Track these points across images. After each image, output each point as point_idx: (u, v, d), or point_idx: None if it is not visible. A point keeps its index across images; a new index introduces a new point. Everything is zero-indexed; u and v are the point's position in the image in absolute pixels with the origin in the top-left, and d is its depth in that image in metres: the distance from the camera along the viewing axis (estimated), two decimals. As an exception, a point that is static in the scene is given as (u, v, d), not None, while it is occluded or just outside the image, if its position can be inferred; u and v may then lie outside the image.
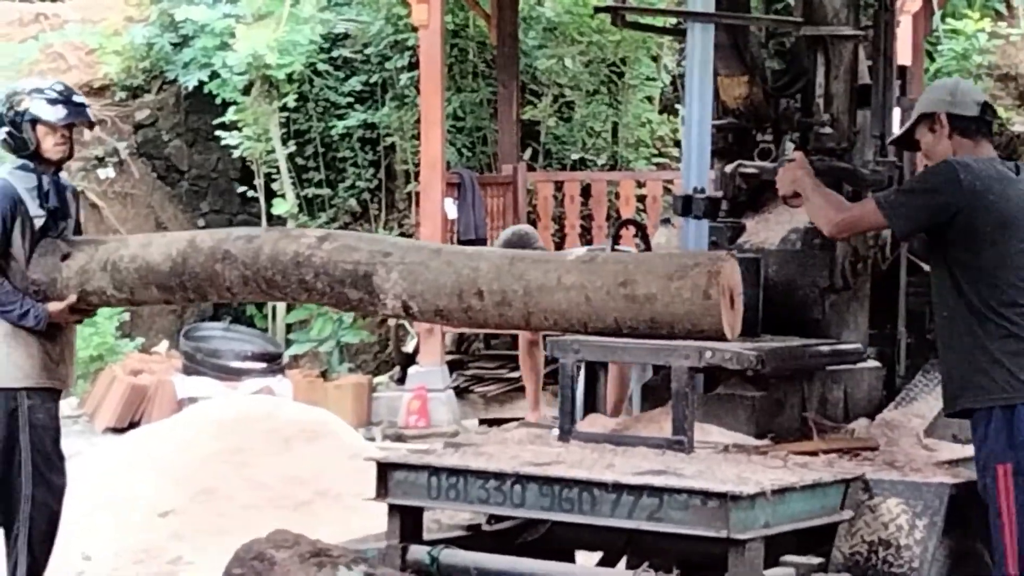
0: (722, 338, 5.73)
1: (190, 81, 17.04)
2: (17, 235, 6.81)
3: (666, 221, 6.74)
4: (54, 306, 6.79)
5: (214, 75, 16.67)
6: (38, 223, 6.88)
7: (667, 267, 5.70)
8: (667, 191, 12.94)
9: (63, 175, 7.25)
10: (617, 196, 15.53)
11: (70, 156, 7.19)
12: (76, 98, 7.11)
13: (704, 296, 5.49)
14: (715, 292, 5.48)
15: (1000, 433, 5.30)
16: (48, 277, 6.83)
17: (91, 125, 7.47)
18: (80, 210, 7.38)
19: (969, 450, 6.06)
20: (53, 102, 6.90)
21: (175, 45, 17.35)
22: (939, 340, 5.66)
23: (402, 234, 16.52)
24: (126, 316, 15.66)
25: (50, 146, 6.94)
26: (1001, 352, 5.30)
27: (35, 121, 6.87)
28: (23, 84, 7.25)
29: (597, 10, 13.35)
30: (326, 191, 16.91)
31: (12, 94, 7.02)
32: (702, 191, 6.34)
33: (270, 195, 16.86)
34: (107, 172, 17.53)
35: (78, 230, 7.27)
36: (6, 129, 6.95)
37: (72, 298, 6.81)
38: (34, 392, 6.88)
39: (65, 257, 6.85)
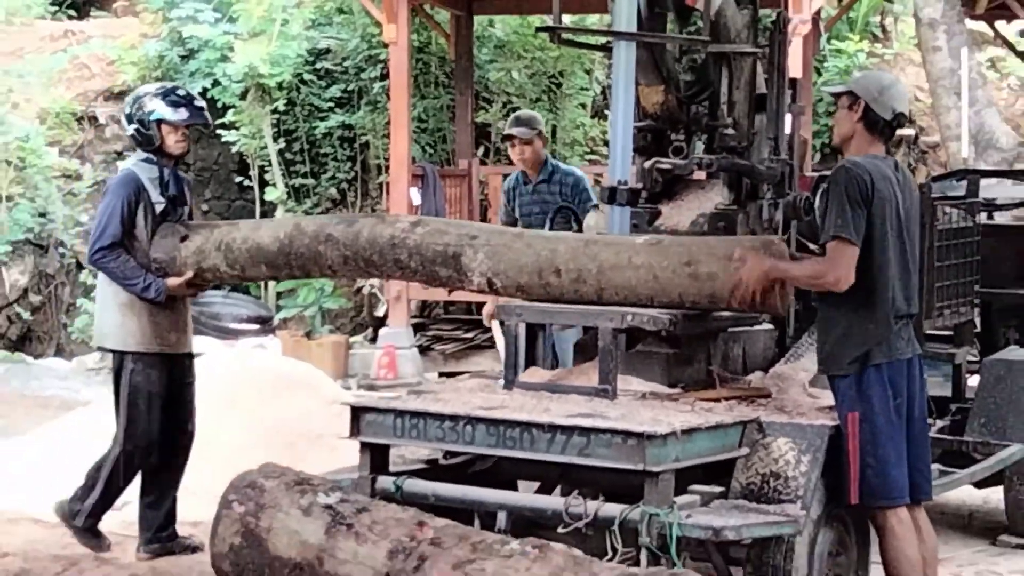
0: (777, 314, 5.85)
1: (195, 88, 16.90)
2: (140, 218, 6.74)
3: (595, 207, 6.73)
4: (173, 281, 6.73)
5: (215, 83, 16.56)
6: (159, 208, 6.81)
7: (727, 249, 5.60)
8: (597, 182, 12.92)
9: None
10: (554, 186, 15.52)
11: (187, 151, 7.14)
12: (196, 102, 7.05)
13: (763, 276, 5.39)
14: (769, 270, 5.41)
15: (851, 389, 5.37)
16: (168, 256, 6.75)
17: (207, 125, 7.40)
18: (192, 199, 7.32)
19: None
20: (176, 105, 6.84)
21: (183, 57, 17.22)
22: (819, 311, 5.67)
23: (374, 218, 16.47)
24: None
25: (172, 143, 6.88)
26: (857, 327, 5.36)
27: (160, 121, 6.80)
28: (149, 88, 7.15)
29: (539, 30, 13.39)
30: (311, 181, 16.85)
31: (139, 96, 6.94)
32: (625, 183, 6.35)
33: (263, 184, 16.78)
34: (124, 163, 17.42)
35: (191, 216, 7.20)
36: (134, 127, 6.88)
37: (189, 274, 6.75)
38: (138, 356, 6.82)
39: (183, 239, 6.77)
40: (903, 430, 5.44)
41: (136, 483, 7.09)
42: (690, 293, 5.71)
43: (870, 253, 5.31)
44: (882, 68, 19.82)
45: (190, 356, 7.18)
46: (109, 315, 6.93)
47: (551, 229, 8.14)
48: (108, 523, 7.69)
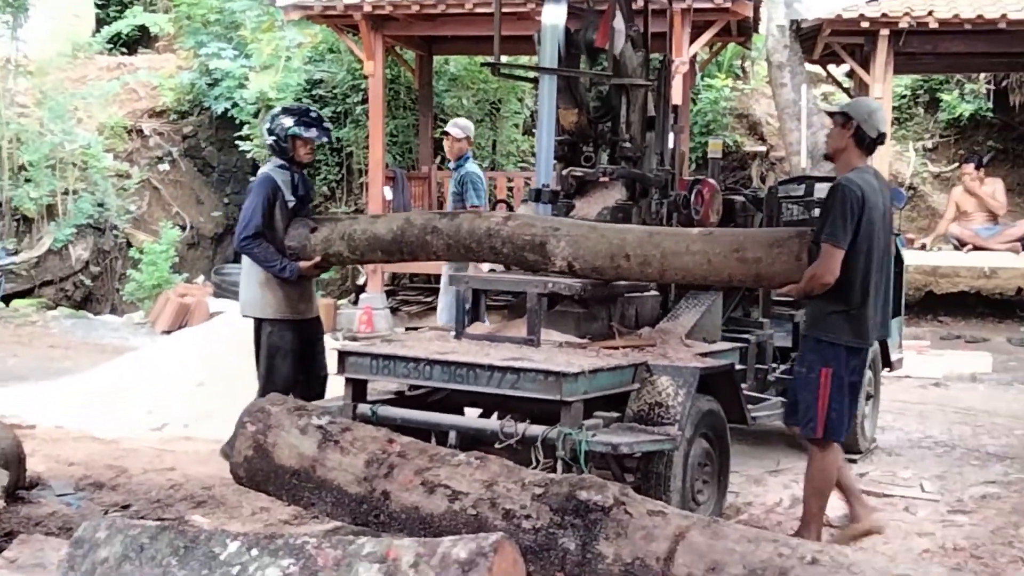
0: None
1: (218, 108, 16.78)
2: (277, 213, 6.64)
3: (525, 202, 6.72)
4: (304, 264, 6.63)
5: (234, 104, 16.41)
6: (291, 205, 6.70)
7: (769, 239, 5.48)
8: (527, 184, 12.91)
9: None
10: (495, 187, 15.48)
11: (313, 161, 6.98)
12: (325, 123, 6.90)
13: (796, 259, 5.31)
14: (804, 257, 5.30)
15: (825, 351, 5.34)
16: (300, 244, 6.63)
17: (330, 141, 7.23)
18: (314, 196, 7.18)
19: (712, 346, 6.19)
20: (309, 125, 6.72)
21: (209, 84, 17.07)
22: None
23: (356, 210, 16.42)
24: (176, 259, 15.47)
25: (302, 154, 6.79)
26: (842, 308, 5.29)
27: (295, 136, 6.70)
28: (287, 107, 6.99)
29: (483, 65, 13.34)
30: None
31: (277, 115, 6.81)
32: (547, 186, 6.37)
33: (271, 183, 16.68)
34: (165, 166, 17.31)
35: (314, 212, 7.03)
36: (272, 139, 6.76)
37: (317, 259, 6.63)
38: (275, 322, 6.75)
39: (313, 230, 6.63)
40: (856, 389, 5.52)
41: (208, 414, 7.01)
42: (738, 275, 5.62)
43: (854, 253, 5.20)
44: (742, 101, 19.93)
45: (317, 319, 7.04)
46: (252, 290, 6.83)
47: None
48: (150, 441, 7.68)
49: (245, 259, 6.90)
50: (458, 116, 17.63)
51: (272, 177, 6.74)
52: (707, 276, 5.72)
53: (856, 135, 5.37)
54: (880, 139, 5.43)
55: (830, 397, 5.33)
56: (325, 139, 6.97)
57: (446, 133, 9.43)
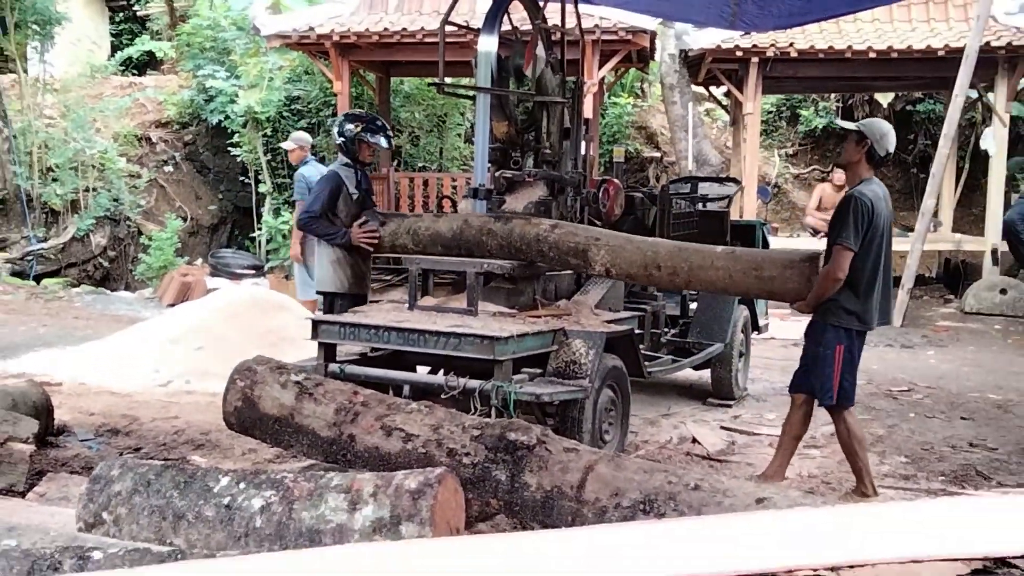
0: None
1: (213, 120, 16.53)
2: (340, 203, 6.42)
3: (466, 198, 6.69)
4: (355, 230, 6.37)
5: (227, 116, 16.17)
6: (354, 197, 6.48)
7: (784, 260, 5.17)
8: (467, 183, 12.88)
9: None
10: (442, 185, 15.42)
11: (373, 161, 6.72)
12: (387, 132, 6.68)
13: (807, 280, 5.08)
14: (814, 278, 5.06)
15: (839, 333, 5.15)
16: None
17: (390, 148, 6.96)
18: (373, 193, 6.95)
19: (616, 315, 6.20)
20: (375, 132, 6.53)
21: (205, 100, 16.82)
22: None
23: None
24: (179, 245, 15.29)
25: (365, 156, 6.57)
26: (854, 297, 5.10)
27: (362, 141, 6.51)
28: (351, 114, 6.70)
29: (430, 85, 13.26)
30: (287, 180, 16.47)
31: (344, 120, 6.58)
32: (483, 185, 6.35)
33: (257, 182, 16.47)
34: (169, 168, 17.05)
35: (373, 204, 6.80)
36: (341, 140, 6.55)
37: (367, 233, 6.37)
38: (341, 296, 6.55)
39: (382, 224, 6.40)
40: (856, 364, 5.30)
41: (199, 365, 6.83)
42: (754, 289, 5.37)
43: (865, 255, 5.02)
44: (641, 116, 20.01)
45: (364, 296, 6.73)
46: (324, 269, 6.62)
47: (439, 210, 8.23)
48: (157, 394, 7.58)
49: (319, 246, 6.66)
50: (412, 127, 17.58)
51: (338, 173, 6.52)
52: (727, 288, 5.47)
53: (868, 152, 5.15)
54: (887, 157, 5.21)
55: (842, 372, 5.18)
56: (387, 147, 6.73)
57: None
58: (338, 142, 6.63)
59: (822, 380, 5.25)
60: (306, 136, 9.69)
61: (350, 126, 6.57)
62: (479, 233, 5.96)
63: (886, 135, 5.17)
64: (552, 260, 5.79)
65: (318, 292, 6.73)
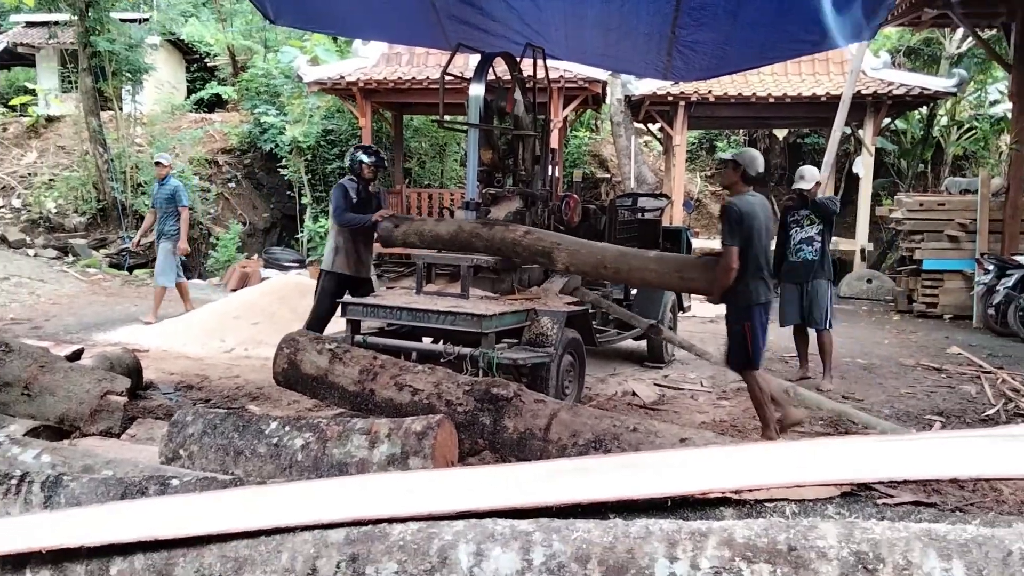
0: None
1: (266, 147, 16.41)
2: (347, 204, 6.40)
3: (460, 208, 6.66)
4: (377, 215, 6.35)
5: (276, 145, 16.07)
6: (354, 202, 6.44)
7: (700, 265, 5.13)
8: (462, 197, 12.84)
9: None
10: (443, 199, 15.38)
11: (375, 179, 6.60)
12: (380, 154, 6.61)
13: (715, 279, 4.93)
14: (723, 279, 4.93)
15: (744, 311, 5.04)
16: (387, 235, 6.25)
17: (384, 167, 6.84)
18: (384, 201, 6.83)
19: (571, 299, 6.10)
20: (368, 154, 6.50)
21: (260, 132, 16.69)
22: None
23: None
24: (240, 243, 15.15)
25: (366, 173, 6.50)
26: (747, 282, 4.98)
27: (361, 163, 6.48)
28: (360, 146, 6.68)
29: (433, 121, 13.18)
30: (323, 194, 16.41)
31: (353, 151, 6.58)
32: (473, 199, 6.31)
33: (300, 196, 16.36)
34: (232, 184, 16.88)
35: (379, 208, 6.66)
36: (348, 162, 6.55)
37: (387, 213, 6.36)
38: (327, 273, 6.50)
39: (396, 226, 6.27)
40: (765, 334, 5.15)
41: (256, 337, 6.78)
42: (676, 286, 5.45)
43: (748, 249, 4.93)
44: (595, 146, 19.96)
45: (367, 280, 6.66)
46: (328, 250, 6.58)
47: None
48: (223, 359, 7.53)
49: (330, 231, 6.60)
50: (419, 154, 17.50)
51: (344, 185, 6.55)
52: (658, 285, 5.55)
53: (743, 175, 5.10)
54: (759, 177, 5.14)
55: (752, 342, 5.07)
56: (381, 165, 6.61)
57: (157, 163, 9.28)
58: (347, 164, 6.66)
59: (735, 350, 5.21)
60: (167, 156, 9.55)
61: (354, 154, 6.61)
62: (469, 236, 5.97)
63: (755, 159, 5.15)
64: (525, 258, 5.79)
65: (323, 270, 6.57)
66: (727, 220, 4.97)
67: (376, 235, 6.43)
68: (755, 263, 5.04)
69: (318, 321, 6.54)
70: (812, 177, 6.89)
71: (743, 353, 5.12)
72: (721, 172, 5.23)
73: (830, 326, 6.83)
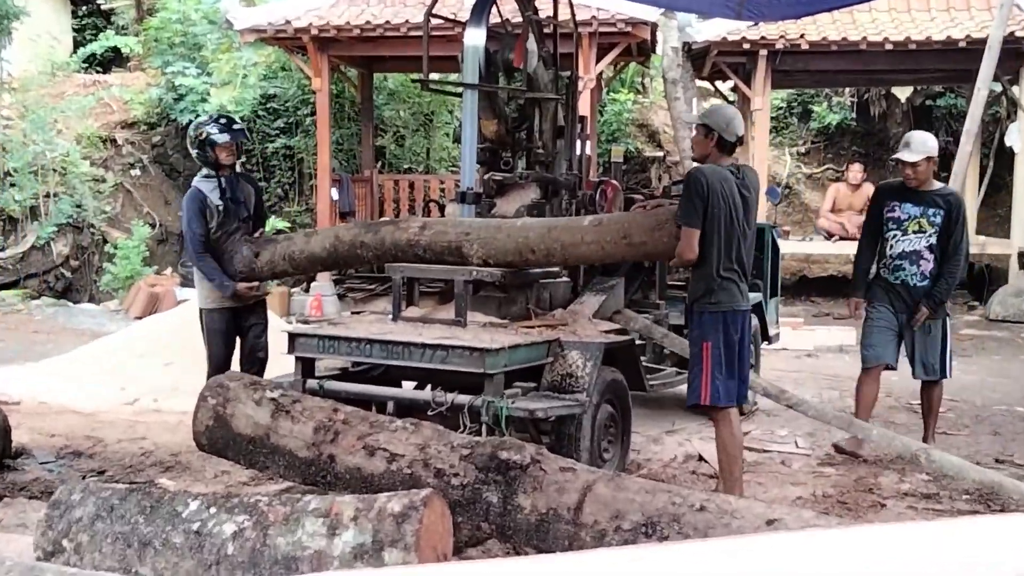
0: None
1: (183, 120, 16.51)
2: (206, 218, 6.41)
3: (454, 201, 6.69)
4: (241, 285, 6.44)
5: (197, 116, 16.11)
6: (219, 208, 6.44)
7: (651, 223, 5.39)
8: (456, 185, 12.93)
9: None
10: (429, 188, 15.45)
11: (238, 159, 6.69)
12: (236, 125, 6.58)
13: (674, 238, 5.20)
14: (676, 234, 5.21)
15: (701, 325, 5.26)
16: (247, 267, 6.42)
17: (247, 139, 6.90)
18: (259, 195, 6.84)
19: (611, 325, 6.19)
20: (222, 130, 6.43)
21: (174, 99, 16.82)
22: (691, 273, 5.44)
23: (307, 209, 16.35)
24: (147, 252, 15.26)
25: (223, 157, 6.45)
26: (698, 284, 5.24)
27: (212, 144, 6.42)
28: (203, 119, 6.66)
29: (414, 81, 13.27)
30: (263, 183, 16.53)
31: (196, 127, 6.52)
32: (471, 189, 6.34)
33: (231, 186, 16.52)
34: (136, 172, 16.99)
35: (260, 210, 6.79)
36: (196, 150, 6.50)
37: (253, 285, 6.51)
38: (210, 311, 6.55)
39: (257, 255, 6.44)
40: (736, 356, 5.30)
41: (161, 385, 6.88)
42: (630, 255, 5.73)
43: (703, 233, 5.11)
44: (642, 113, 20.06)
45: (255, 307, 6.73)
46: (200, 284, 6.60)
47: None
48: (124, 413, 7.56)
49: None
50: (397, 127, 17.64)
51: (198, 189, 6.51)
52: (604, 259, 5.83)
53: (718, 143, 5.28)
54: (739, 141, 5.34)
55: (712, 367, 5.22)
56: (241, 139, 6.61)
57: None
58: (194, 154, 6.57)
59: (691, 377, 5.32)
60: None
61: (198, 131, 6.49)
62: (352, 247, 6.10)
63: (731, 120, 5.29)
64: (432, 260, 5.94)
65: (201, 309, 6.66)
66: (687, 192, 5.15)
67: (237, 273, 6.47)
68: (720, 256, 5.17)
69: (216, 370, 6.49)
70: (922, 148, 6.32)
71: (698, 384, 5.25)
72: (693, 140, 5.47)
73: (949, 375, 6.62)
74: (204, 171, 6.58)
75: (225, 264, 6.52)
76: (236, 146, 6.53)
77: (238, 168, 6.86)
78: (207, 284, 6.55)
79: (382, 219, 6.34)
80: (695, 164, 5.47)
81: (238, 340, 6.74)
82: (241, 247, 6.50)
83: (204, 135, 6.45)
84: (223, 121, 6.55)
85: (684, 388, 7.57)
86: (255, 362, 6.70)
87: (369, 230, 6.14)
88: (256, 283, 6.55)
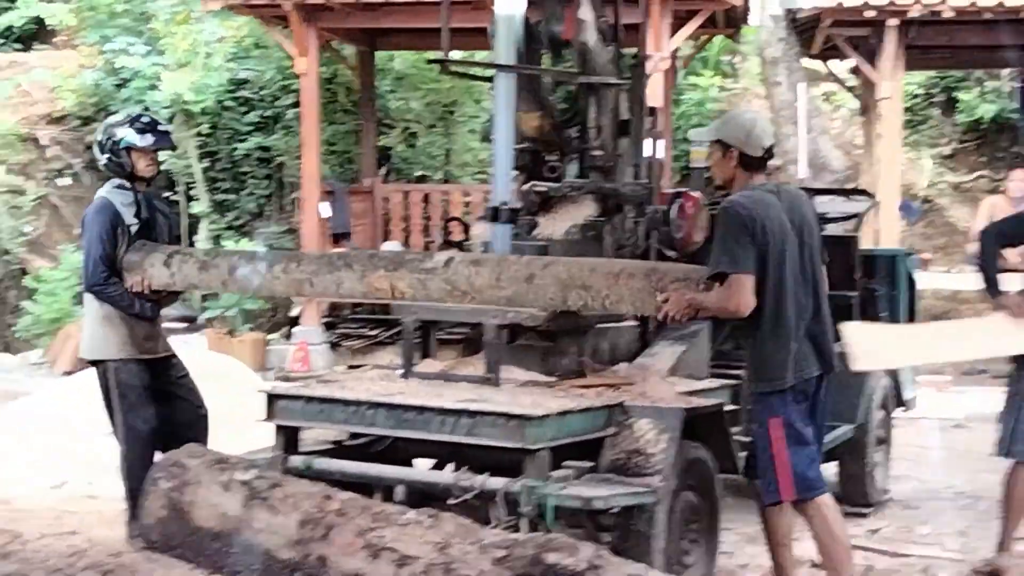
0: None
1: (127, 111, 16.74)
2: (118, 240, 6.53)
3: (482, 218, 6.71)
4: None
5: (145, 108, 16.27)
6: (133, 230, 6.59)
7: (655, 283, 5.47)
8: (485, 198, 12.97)
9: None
10: (449, 202, 15.56)
11: (157, 174, 6.92)
12: (161, 127, 6.74)
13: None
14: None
15: (774, 399, 5.31)
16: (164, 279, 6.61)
17: (173, 148, 7.14)
18: (174, 222, 7.12)
19: (698, 384, 6.17)
20: (143, 131, 6.52)
21: (116, 86, 17.04)
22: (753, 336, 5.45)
23: (289, 229, 16.47)
24: (78, 287, 15.36)
25: (142, 167, 6.59)
26: (767, 349, 5.30)
27: (129, 148, 6.52)
28: (117, 117, 6.79)
29: (430, 62, 13.39)
30: (232, 196, 16.75)
31: (109, 127, 6.63)
32: (506, 204, 6.35)
33: (189, 199, 16.65)
34: (65, 181, 17.20)
35: (173, 230, 7.04)
36: (106, 156, 6.59)
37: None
38: (121, 361, 6.57)
39: (167, 262, 6.57)
40: (814, 426, 5.41)
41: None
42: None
43: (763, 280, 5.18)
44: (731, 101, 20.07)
45: (172, 358, 6.86)
46: (93, 329, 6.66)
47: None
48: (48, 500, 7.60)
49: (86, 296, 6.77)
50: (407, 122, 17.78)
51: (108, 201, 6.60)
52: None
53: (740, 161, 5.37)
54: (769, 154, 5.42)
55: (787, 448, 5.28)
56: (166, 146, 6.80)
57: None
58: (103, 160, 6.66)
59: (761, 468, 5.40)
60: None
61: (113, 132, 6.58)
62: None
63: (751, 129, 5.37)
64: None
65: (106, 361, 6.68)
66: (724, 231, 5.21)
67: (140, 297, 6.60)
68: (789, 306, 5.24)
69: (149, 437, 6.56)
70: None
71: (771, 476, 5.32)
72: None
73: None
74: (116, 181, 6.68)
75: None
76: (156, 151, 6.69)
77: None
78: (113, 323, 6.58)
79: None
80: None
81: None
82: (133, 254, 6.60)
83: (118, 138, 6.54)
84: (144, 120, 6.66)
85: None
86: (197, 422, 6.76)
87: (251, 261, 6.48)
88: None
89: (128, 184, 6.64)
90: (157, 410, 6.61)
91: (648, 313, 5.72)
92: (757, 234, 5.15)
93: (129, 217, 6.59)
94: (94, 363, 6.74)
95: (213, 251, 6.97)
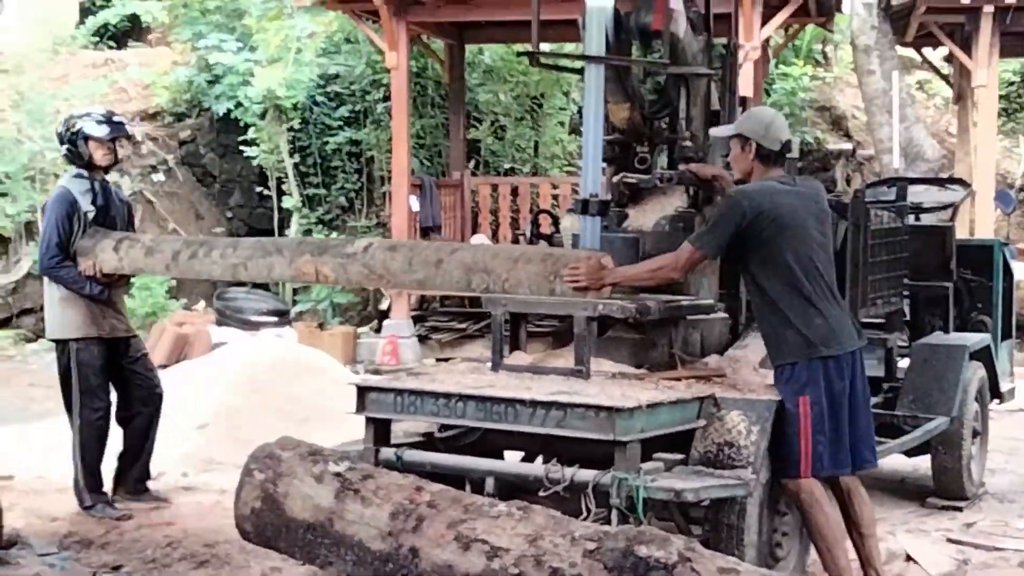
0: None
1: (220, 109, 16.88)
2: (74, 226, 6.99)
3: (571, 211, 6.71)
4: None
5: (238, 104, 16.50)
6: (90, 216, 7.06)
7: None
8: (574, 190, 12.92)
9: (118, 182, 7.37)
10: (538, 195, 15.55)
11: (116, 162, 7.36)
12: (116, 118, 7.25)
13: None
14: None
15: (800, 376, 5.37)
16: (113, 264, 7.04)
17: (129, 138, 7.65)
18: (131, 210, 7.67)
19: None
20: (99, 123, 7.05)
21: (209, 82, 17.18)
22: (755, 316, 5.78)
23: (379, 223, 16.57)
24: (173, 282, 15.53)
25: (99, 156, 7.11)
26: (790, 323, 5.37)
27: (87, 138, 7.01)
28: (76, 111, 7.34)
29: (519, 54, 13.39)
30: (322, 191, 16.84)
31: (68, 119, 7.18)
32: (595, 195, 6.33)
33: (280, 194, 16.79)
34: (159, 177, 17.35)
35: (130, 218, 7.57)
36: (66, 146, 7.10)
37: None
38: (80, 340, 7.01)
39: (116, 247, 7.04)
40: (844, 411, 5.44)
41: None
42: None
43: (774, 265, 5.37)
44: (823, 90, 19.89)
45: (131, 337, 7.33)
46: (55, 311, 7.11)
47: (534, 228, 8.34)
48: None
49: (45, 279, 7.20)
50: (496, 114, 17.79)
51: (66, 190, 7.09)
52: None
53: (758, 154, 5.53)
54: (786, 147, 5.58)
55: (813, 427, 5.33)
56: (122, 135, 7.31)
57: None
58: (63, 150, 7.17)
59: (787, 443, 5.38)
60: None
61: (71, 123, 7.09)
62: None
63: (770, 125, 5.53)
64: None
65: (50, 340, 7.24)
66: (718, 210, 5.60)
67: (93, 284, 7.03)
68: (812, 287, 5.38)
69: (105, 414, 7.06)
70: None
71: (795, 451, 5.35)
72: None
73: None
74: (74, 171, 7.18)
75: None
76: (115, 145, 7.18)
77: (123, 186, 7.51)
78: (72, 304, 7.01)
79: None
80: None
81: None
82: (85, 240, 7.01)
83: (77, 127, 7.04)
84: (101, 113, 7.17)
85: (889, 462, 7.49)
86: (153, 400, 7.30)
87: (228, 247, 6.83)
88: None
89: (86, 173, 7.12)
90: (115, 386, 7.18)
91: (543, 294, 5.85)
92: (752, 223, 5.32)
93: (86, 204, 7.07)
94: (56, 342, 7.16)
95: (159, 238, 7.42)
